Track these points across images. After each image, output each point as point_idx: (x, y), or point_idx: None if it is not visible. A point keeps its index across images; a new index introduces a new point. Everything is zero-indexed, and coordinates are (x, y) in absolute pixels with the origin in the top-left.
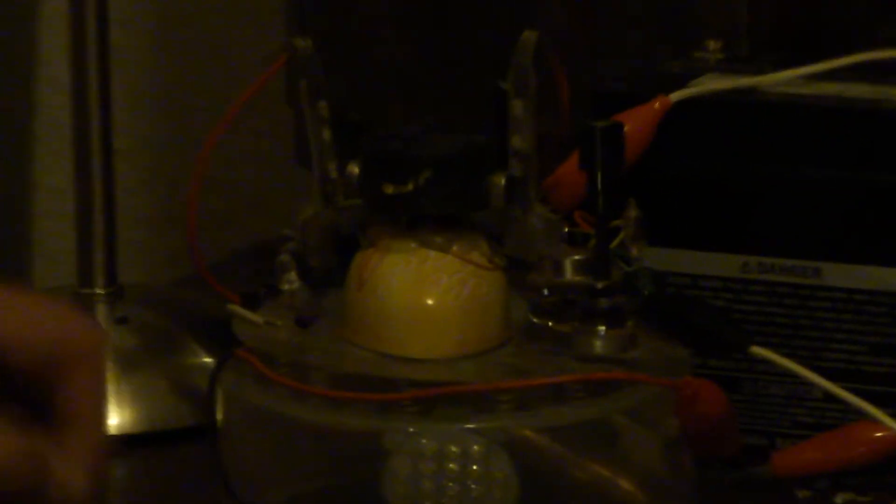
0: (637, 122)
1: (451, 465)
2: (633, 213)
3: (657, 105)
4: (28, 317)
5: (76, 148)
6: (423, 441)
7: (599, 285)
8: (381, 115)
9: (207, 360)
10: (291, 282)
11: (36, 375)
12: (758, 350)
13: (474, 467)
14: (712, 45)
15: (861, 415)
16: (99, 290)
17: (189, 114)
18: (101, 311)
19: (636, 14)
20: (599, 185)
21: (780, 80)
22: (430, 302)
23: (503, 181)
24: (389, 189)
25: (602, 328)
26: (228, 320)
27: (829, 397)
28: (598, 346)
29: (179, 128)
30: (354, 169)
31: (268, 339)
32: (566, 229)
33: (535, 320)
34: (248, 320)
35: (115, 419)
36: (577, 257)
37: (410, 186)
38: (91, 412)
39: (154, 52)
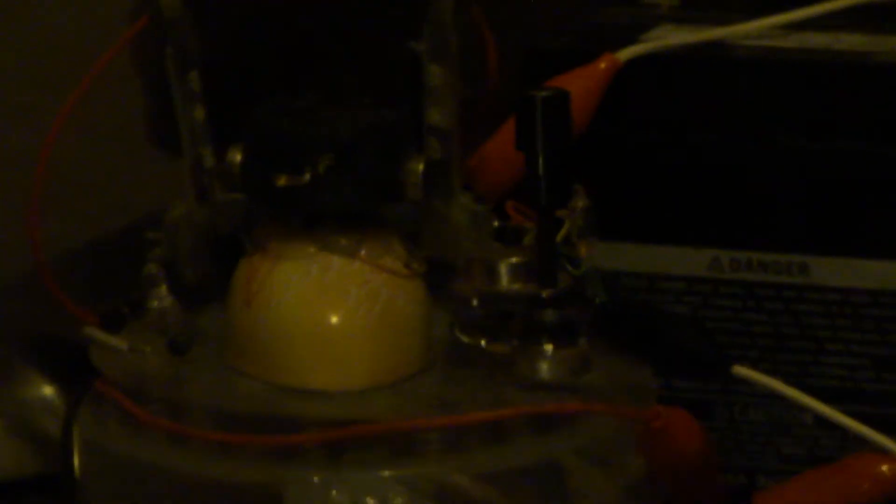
0: (579, 87)
1: None
2: (580, 202)
3: (603, 65)
4: None
5: None
6: (333, 493)
7: (544, 294)
8: (262, 86)
9: (48, 391)
10: (162, 298)
11: None
12: (741, 370)
13: None
14: None
15: (863, 444)
16: None
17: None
18: None
19: None
20: (542, 169)
21: (753, 30)
22: (335, 320)
23: (421, 167)
24: (281, 180)
25: (549, 347)
26: (79, 344)
27: (823, 423)
28: (545, 369)
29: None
30: (236, 155)
31: (135, 369)
32: (496, 224)
33: (463, 339)
34: (109, 346)
35: None
36: (514, 259)
37: (307, 176)
38: None
39: None
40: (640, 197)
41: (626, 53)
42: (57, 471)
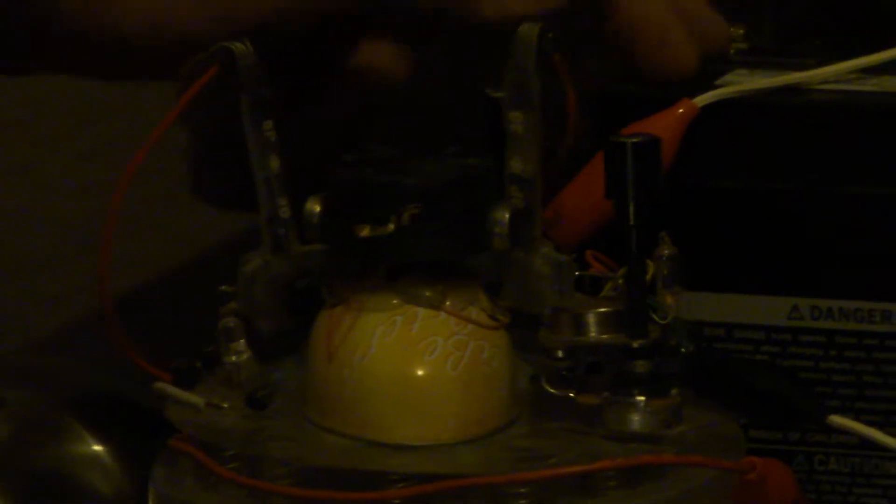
0: (658, 133)
1: None
2: (666, 251)
3: (681, 111)
4: None
5: None
6: None
7: (635, 345)
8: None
9: (98, 448)
10: (240, 352)
11: None
12: (837, 419)
13: None
14: (733, 31)
15: None
16: None
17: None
18: None
19: None
20: (633, 217)
21: (830, 74)
22: (421, 373)
23: (507, 216)
24: (364, 230)
25: (641, 398)
26: (132, 399)
27: None
28: (637, 421)
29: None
30: (315, 206)
31: (212, 424)
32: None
33: (550, 390)
34: (185, 402)
35: None
36: (603, 310)
37: (392, 227)
38: None
39: None
40: (717, 245)
41: (703, 98)
42: None
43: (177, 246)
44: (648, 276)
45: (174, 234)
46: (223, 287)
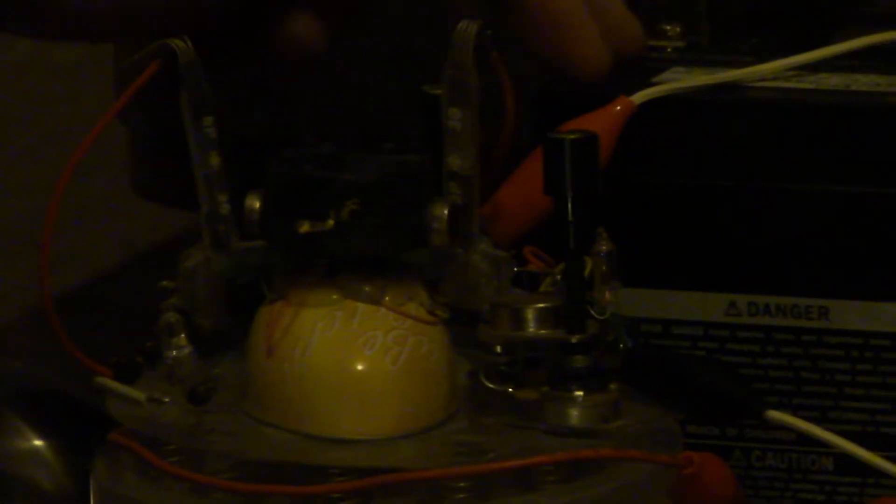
0: (595, 131)
1: None
2: (604, 246)
3: (618, 108)
4: None
5: None
6: None
7: (574, 340)
8: (273, 131)
9: (39, 443)
10: (180, 347)
11: None
12: (775, 414)
13: None
14: (670, 29)
15: (883, 489)
16: None
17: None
18: None
19: None
20: (571, 213)
21: (767, 72)
22: (360, 368)
23: (445, 212)
24: (304, 226)
25: (579, 393)
26: (72, 394)
27: (843, 469)
28: (576, 415)
29: None
30: (254, 202)
31: (153, 419)
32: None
33: (489, 385)
34: (125, 396)
35: None
36: (541, 305)
37: (331, 222)
38: None
39: None
40: (654, 241)
41: (640, 96)
42: None
43: (117, 242)
44: (586, 272)
45: (115, 231)
46: (163, 282)
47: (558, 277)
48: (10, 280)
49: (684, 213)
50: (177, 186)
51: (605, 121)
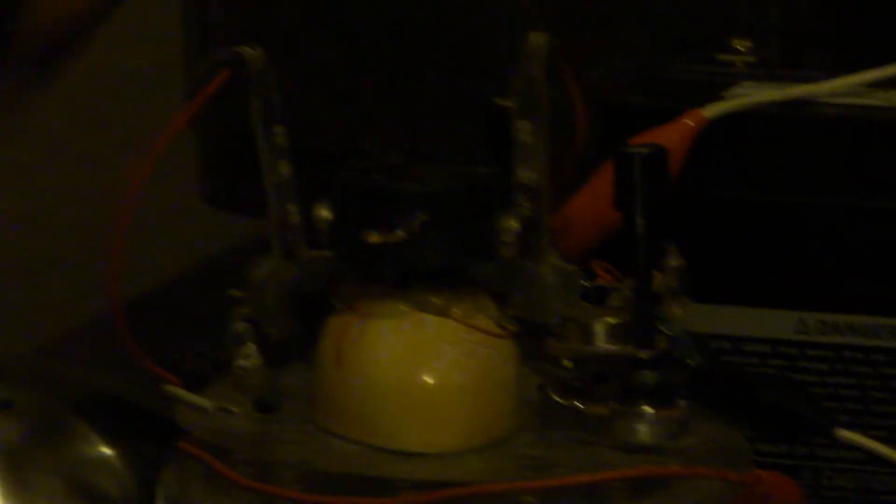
0: (666, 145)
1: None
2: (673, 262)
3: (689, 122)
4: None
5: None
6: None
7: (643, 355)
8: (345, 142)
9: (107, 451)
10: (249, 356)
11: None
12: (845, 433)
13: None
14: (740, 45)
15: None
16: None
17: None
18: None
19: (630, 6)
20: (640, 228)
21: (838, 88)
22: (428, 380)
23: (514, 224)
24: (373, 237)
25: (648, 409)
26: (141, 403)
27: None
28: (644, 431)
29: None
30: (324, 211)
31: (221, 428)
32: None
33: (557, 400)
34: (193, 405)
35: None
36: (610, 320)
37: (401, 233)
38: None
39: None
40: (724, 257)
41: (712, 110)
42: None
43: (186, 251)
44: (655, 288)
45: (184, 239)
46: (232, 292)
47: (627, 292)
48: (80, 286)
49: (754, 229)
50: (247, 195)
51: (676, 135)
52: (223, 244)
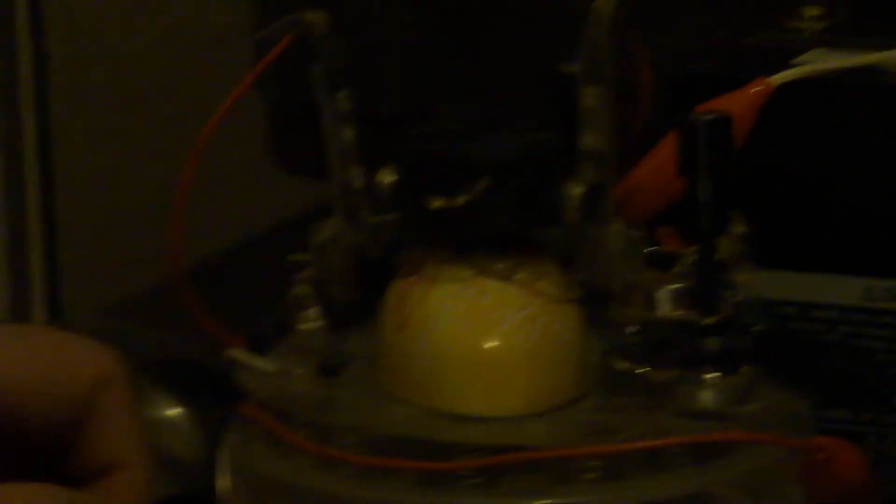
0: (733, 112)
1: None
2: (738, 229)
3: (757, 89)
4: (39, 358)
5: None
6: None
7: (707, 321)
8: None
9: (173, 411)
10: (312, 319)
11: (62, 422)
12: None
13: None
14: (810, 11)
15: None
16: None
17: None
18: None
19: None
20: (704, 195)
21: None
22: (491, 345)
23: (580, 190)
24: (436, 202)
25: (712, 375)
26: (204, 364)
27: None
28: (707, 397)
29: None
30: (388, 176)
31: (283, 392)
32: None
33: (620, 366)
34: (256, 368)
35: None
36: (675, 286)
37: (464, 198)
38: (134, 450)
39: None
40: (790, 224)
41: (779, 77)
42: (190, 492)
43: (250, 214)
44: (720, 254)
45: (248, 203)
46: (296, 255)
47: (692, 259)
48: (144, 250)
49: (822, 195)
50: (313, 157)
51: (743, 102)
52: (289, 208)
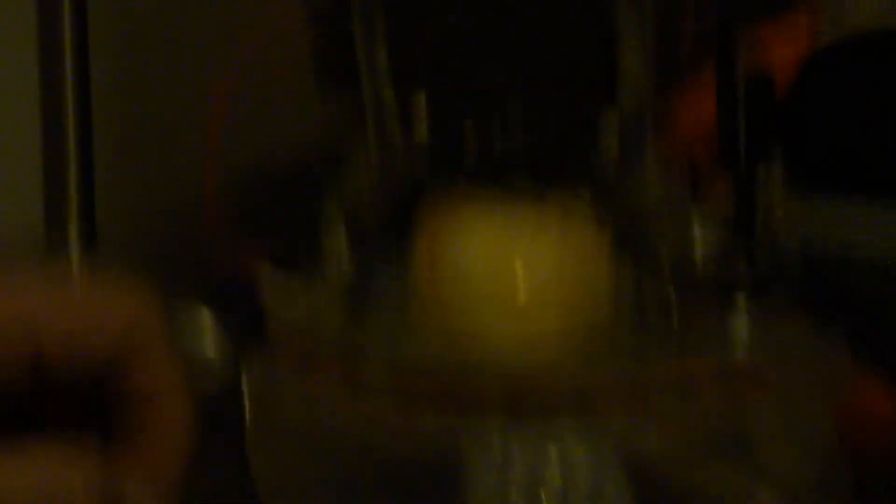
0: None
1: (547, 476)
2: (776, 157)
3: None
4: (85, 304)
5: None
6: (513, 446)
7: (742, 248)
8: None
9: (206, 317)
10: (339, 239)
11: (102, 361)
12: None
13: (578, 479)
14: None
15: None
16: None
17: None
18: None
19: None
20: (743, 124)
21: None
22: (522, 268)
23: (616, 118)
24: (469, 129)
25: (744, 302)
26: (251, 286)
27: None
28: (739, 327)
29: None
30: (420, 102)
31: (311, 314)
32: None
33: (652, 290)
34: (284, 288)
35: None
36: (711, 213)
37: (497, 126)
38: (173, 380)
39: None
40: (829, 152)
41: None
42: (215, 393)
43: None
44: (757, 182)
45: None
46: (327, 179)
47: (729, 186)
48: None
49: (868, 122)
50: (351, 73)
51: (791, 46)
52: (320, 133)
